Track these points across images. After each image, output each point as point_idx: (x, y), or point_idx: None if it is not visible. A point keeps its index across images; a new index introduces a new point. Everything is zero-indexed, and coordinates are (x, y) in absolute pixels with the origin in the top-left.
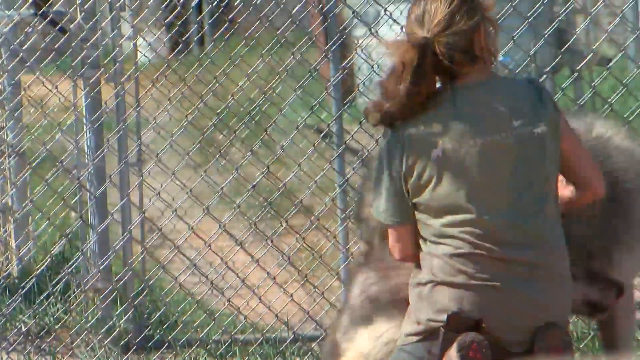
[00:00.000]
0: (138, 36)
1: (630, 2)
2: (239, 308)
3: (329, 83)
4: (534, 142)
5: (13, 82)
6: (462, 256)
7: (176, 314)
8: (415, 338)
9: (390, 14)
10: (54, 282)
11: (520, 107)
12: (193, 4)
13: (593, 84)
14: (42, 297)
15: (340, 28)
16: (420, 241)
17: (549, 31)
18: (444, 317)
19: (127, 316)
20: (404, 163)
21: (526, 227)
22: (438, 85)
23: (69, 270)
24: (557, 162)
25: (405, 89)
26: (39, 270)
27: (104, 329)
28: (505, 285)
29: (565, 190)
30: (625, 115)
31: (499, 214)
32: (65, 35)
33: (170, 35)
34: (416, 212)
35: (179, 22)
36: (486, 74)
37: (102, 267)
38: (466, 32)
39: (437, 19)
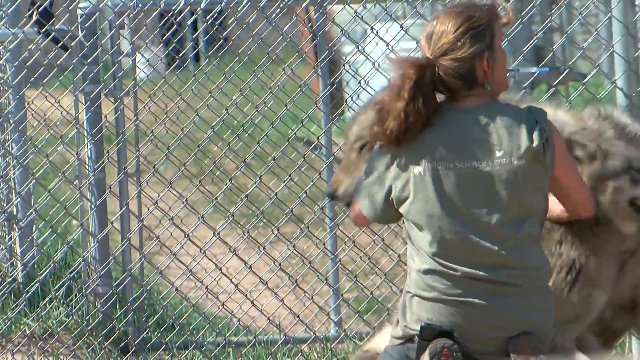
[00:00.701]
0: (136, 53)
1: (605, 21)
2: (232, 311)
3: (318, 97)
4: (512, 173)
5: (17, 96)
6: (433, 273)
7: (173, 317)
8: (397, 341)
9: (377, 32)
10: (56, 286)
11: (507, 136)
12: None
13: (569, 98)
14: (45, 301)
15: (329, 45)
16: (408, 247)
17: (527, 48)
18: (418, 326)
19: (126, 319)
20: (391, 175)
21: (498, 250)
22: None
23: (71, 275)
24: (540, 190)
25: (403, 106)
26: (43, 275)
27: (104, 332)
28: (476, 301)
29: (557, 206)
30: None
31: (471, 236)
32: (67, 52)
33: (167, 52)
34: (404, 222)
35: (176, 40)
36: (484, 99)
37: (102, 272)
38: (467, 59)
39: (441, 42)
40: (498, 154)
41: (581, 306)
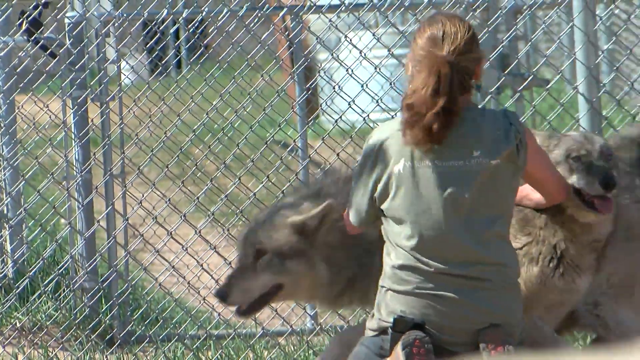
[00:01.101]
0: (121, 60)
1: (567, 30)
2: (213, 306)
3: (295, 102)
4: (489, 172)
5: (8, 101)
6: (408, 268)
7: (156, 311)
8: (372, 333)
9: (350, 40)
10: (45, 282)
11: (485, 137)
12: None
13: (533, 103)
14: (34, 296)
15: (305, 53)
16: (385, 242)
17: (493, 56)
18: (392, 319)
19: (112, 313)
20: (374, 175)
21: (471, 246)
22: None
23: (59, 271)
24: (511, 190)
25: (443, 102)
26: (32, 271)
27: (91, 325)
28: (448, 295)
29: (535, 193)
30: (562, 132)
31: (446, 233)
32: (55, 59)
33: (150, 59)
34: (382, 218)
35: (159, 48)
36: (468, 102)
37: (89, 268)
38: (476, 59)
39: (458, 42)
40: (475, 153)
41: (566, 291)
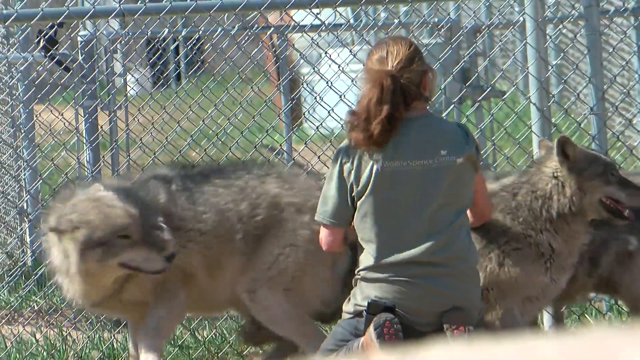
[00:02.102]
0: (127, 73)
1: (520, 47)
2: None
3: (281, 111)
4: (454, 169)
5: (27, 110)
6: (381, 257)
7: None
8: (348, 315)
9: (330, 56)
10: None
11: (448, 140)
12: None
13: (491, 112)
14: (50, 282)
15: (290, 67)
16: (359, 236)
17: (456, 70)
18: (366, 303)
19: None
20: (354, 171)
21: (438, 236)
22: None
23: None
24: (470, 188)
25: (388, 111)
26: (49, 260)
27: None
28: (417, 281)
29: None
30: (516, 137)
31: (416, 225)
32: (69, 73)
33: (153, 72)
34: (357, 214)
35: (161, 62)
36: (423, 109)
37: None
38: (419, 72)
39: (400, 58)
40: (443, 152)
41: (549, 287)
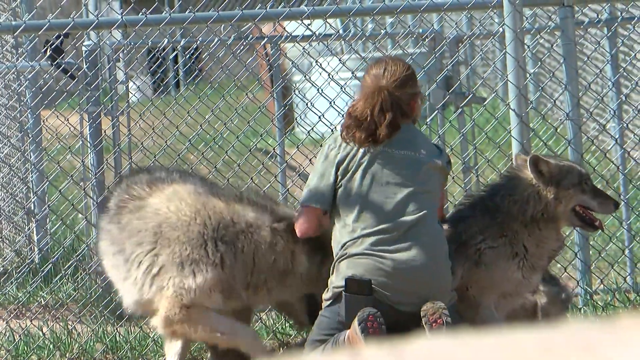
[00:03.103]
0: (129, 81)
1: (500, 56)
2: None
3: (274, 116)
4: (429, 168)
5: (35, 115)
6: (359, 236)
7: None
8: (327, 302)
9: (320, 64)
10: (65, 267)
11: (426, 145)
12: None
13: (472, 117)
14: (56, 278)
15: (282, 75)
16: (336, 219)
17: (439, 77)
18: (343, 282)
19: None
20: (340, 154)
21: (411, 215)
22: None
23: (77, 257)
24: (438, 190)
25: (391, 116)
26: (54, 258)
27: (104, 302)
28: (392, 256)
29: None
30: (497, 141)
31: (395, 206)
32: (74, 81)
33: (153, 80)
34: (338, 196)
35: (161, 71)
36: (409, 124)
37: None
38: (410, 95)
39: (396, 77)
40: (423, 151)
41: (522, 285)
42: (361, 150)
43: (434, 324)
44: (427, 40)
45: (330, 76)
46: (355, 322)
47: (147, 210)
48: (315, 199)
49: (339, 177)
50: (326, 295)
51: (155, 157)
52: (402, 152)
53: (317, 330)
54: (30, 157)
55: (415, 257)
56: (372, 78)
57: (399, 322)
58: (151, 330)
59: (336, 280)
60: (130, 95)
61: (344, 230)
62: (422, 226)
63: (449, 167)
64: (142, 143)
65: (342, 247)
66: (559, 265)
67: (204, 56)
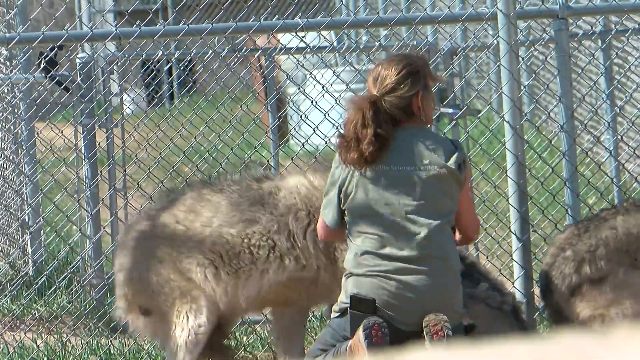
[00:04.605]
0: (123, 93)
1: (494, 68)
2: None
3: (268, 128)
4: (435, 178)
5: (29, 128)
6: (365, 254)
7: None
8: (335, 314)
9: (314, 76)
10: (60, 279)
11: (433, 152)
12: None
13: (467, 129)
14: (51, 291)
15: (276, 87)
16: (347, 237)
17: (433, 90)
18: (349, 300)
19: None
20: (341, 176)
21: (417, 236)
22: None
23: (71, 270)
24: (453, 196)
25: (373, 131)
26: (49, 270)
27: (98, 315)
28: (396, 277)
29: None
30: (491, 153)
31: (400, 222)
32: (69, 93)
33: (148, 92)
34: (345, 216)
35: (155, 83)
36: (419, 125)
37: (96, 267)
38: (406, 97)
39: (386, 83)
40: (425, 162)
41: None
42: (357, 172)
43: (434, 336)
44: (421, 52)
45: (325, 88)
46: (360, 330)
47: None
48: (324, 214)
49: (342, 200)
50: (335, 307)
51: (149, 169)
52: (400, 167)
53: (321, 340)
54: (25, 169)
55: (419, 278)
56: (370, 84)
57: (402, 341)
58: (145, 342)
59: (344, 297)
60: (125, 107)
61: (351, 250)
62: (426, 244)
63: (463, 170)
64: (136, 155)
65: (350, 265)
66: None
67: (198, 68)
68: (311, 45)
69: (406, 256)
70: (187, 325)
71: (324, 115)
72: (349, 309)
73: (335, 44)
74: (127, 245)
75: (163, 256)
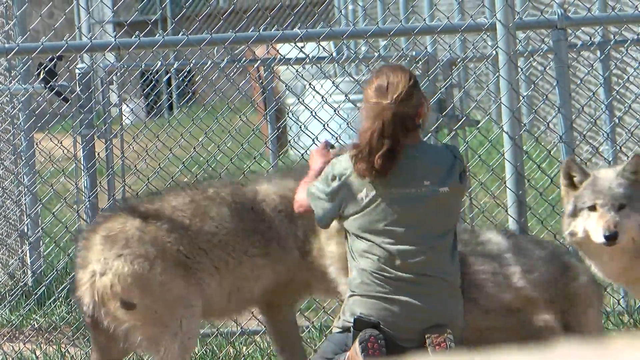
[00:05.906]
0: (122, 104)
1: (493, 79)
2: None
3: (267, 139)
4: (437, 198)
5: (28, 138)
6: (369, 276)
7: None
8: (337, 330)
9: (313, 87)
10: (59, 289)
11: (434, 169)
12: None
13: (466, 140)
14: (50, 301)
15: (276, 97)
16: (348, 256)
17: (432, 100)
18: (353, 319)
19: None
20: (342, 196)
21: (420, 257)
22: None
23: (70, 280)
24: (456, 212)
25: (389, 144)
26: (48, 280)
27: None
28: (401, 298)
29: None
30: (490, 164)
31: (401, 245)
32: (68, 103)
33: (147, 103)
34: (347, 234)
35: (154, 93)
36: (418, 139)
37: None
38: (416, 105)
39: (399, 91)
40: (426, 182)
41: None
42: (364, 191)
43: (437, 347)
44: (420, 63)
45: (324, 99)
46: (356, 342)
47: None
48: (315, 204)
49: (342, 217)
50: (337, 323)
51: (148, 179)
52: (404, 191)
53: (320, 354)
54: (24, 179)
55: (421, 298)
56: (374, 94)
57: (403, 355)
58: (144, 354)
59: (347, 315)
60: (124, 117)
61: (354, 270)
62: (428, 266)
63: (464, 179)
64: (135, 166)
65: (353, 285)
66: None
67: (197, 79)
68: (310, 55)
69: (408, 277)
70: (182, 330)
71: (323, 125)
72: (352, 328)
73: (334, 54)
74: (122, 237)
75: (164, 256)
